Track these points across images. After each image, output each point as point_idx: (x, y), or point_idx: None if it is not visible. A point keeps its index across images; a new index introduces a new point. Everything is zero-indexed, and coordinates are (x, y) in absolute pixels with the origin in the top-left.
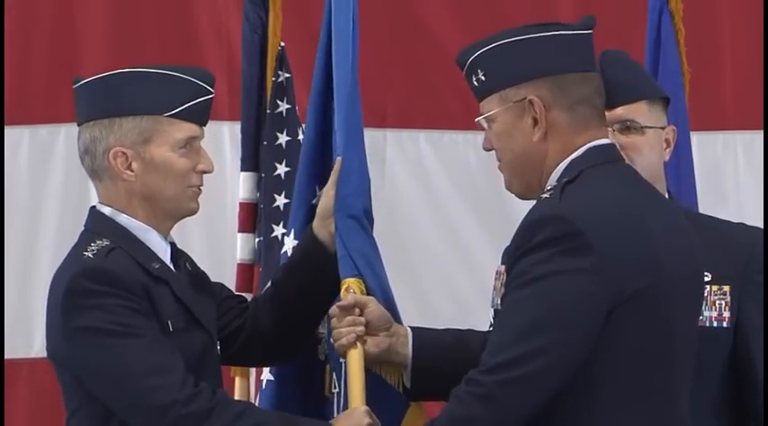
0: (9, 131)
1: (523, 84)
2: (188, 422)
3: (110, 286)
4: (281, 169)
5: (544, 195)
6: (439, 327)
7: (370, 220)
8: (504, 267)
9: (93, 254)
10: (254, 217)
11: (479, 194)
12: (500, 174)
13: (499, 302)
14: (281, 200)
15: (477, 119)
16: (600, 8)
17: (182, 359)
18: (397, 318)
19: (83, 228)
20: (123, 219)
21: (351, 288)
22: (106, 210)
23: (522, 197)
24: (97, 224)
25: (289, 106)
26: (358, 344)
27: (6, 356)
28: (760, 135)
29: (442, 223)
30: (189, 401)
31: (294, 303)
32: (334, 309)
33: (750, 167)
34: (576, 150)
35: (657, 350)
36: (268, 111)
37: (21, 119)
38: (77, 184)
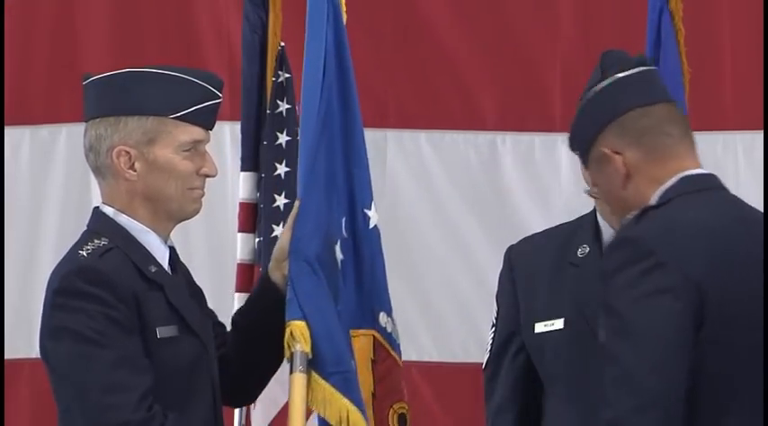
0: (10, 131)
1: (593, 141)
2: None
3: (99, 287)
4: (281, 169)
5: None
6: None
7: (323, 264)
8: None
9: (87, 253)
10: (254, 217)
11: (480, 194)
12: (500, 174)
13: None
14: (281, 200)
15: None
16: (600, 8)
17: (149, 378)
18: (345, 359)
19: (85, 228)
20: (124, 220)
21: (293, 332)
22: (108, 210)
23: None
24: (98, 224)
25: (289, 106)
26: (301, 372)
27: (7, 356)
28: (760, 135)
29: (443, 223)
30: (140, 424)
31: (250, 342)
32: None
33: (750, 167)
34: (666, 180)
35: (732, 371)
36: (268, 111)
37: (21, 119)
38: (78, 184)
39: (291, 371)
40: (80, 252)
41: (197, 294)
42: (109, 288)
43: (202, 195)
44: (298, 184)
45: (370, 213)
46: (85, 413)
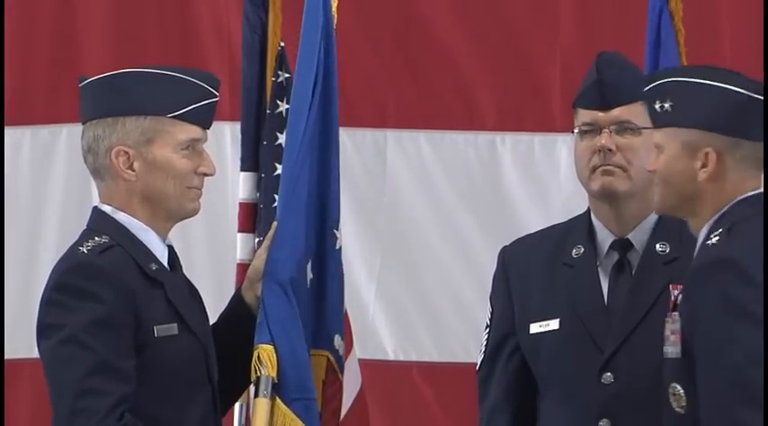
0: (10, 132)
1: (703, 131)
2: None
3: (96, 283)
4: (281, 169)
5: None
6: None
7: (296, 288)
8: (676, 314)
9: (87, 250)
10: (254, 217)
11: (479, 194)
12: (499, 174)
13: (678, 351)
14: None
15: (654, 141)
16: (600, 8)
17: (127, 386)
18: (306, 383)
19: (85, 228)
20: (123, 218)
21: (260, 355)
22: (107, 209)
23: (660, 213)
24: (98, 222)
25: (288, 106)
26: (265, 397)
27: (7, 356)
28: None
29: (443, 223)
30: None
31: (222, 358)
32: None
33: None
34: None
35: None
36: (268, 111)
37: (22, 119)
38: (79, 185)
39: (256, 395)
40: (80, 248)
41: (196, 293)
42: (106, 284)
43: (200, 194)
44: (278, 206)
45: (338, 234)
46: (58, 414)
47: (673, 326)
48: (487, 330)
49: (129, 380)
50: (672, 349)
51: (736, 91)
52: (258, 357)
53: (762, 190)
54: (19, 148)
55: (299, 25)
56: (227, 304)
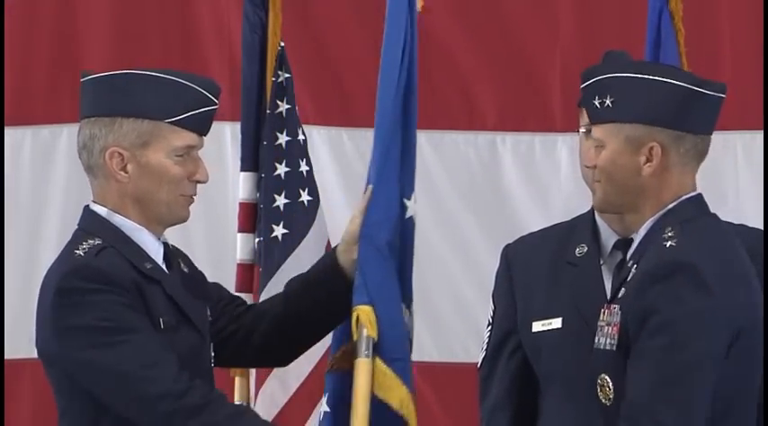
0: (10, 132)
1: (647, 126)
2: (180, 415)
3: (100, 283)
4: (281, 169)
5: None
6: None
7: (394, 251)
8: (616, 307)
9: (84, 253)
10: (254, 218)
11: (479, 194)
12: (500, 174)
13: (614, 344)
14: (280, 201)
15: (592, 135)
16: (600, 8)
17: (175, 355)
18: (405, 344)
19: (77, 228)
20: (118, 220)
21: (360, 317)
22: (99, 210)
23: (601, 210)
24: (89, 223)
25: (288, 106)
26: (366, 357)
27: (7, 356)
28: (760, 135)
29: (443, 223)
30: (183, 394)
31: (303, 319)
32: None
33: (750, 167)
34: (671, 202)
35: (749, 386)
36: (268, 111)
37: (22, 119)
38: (79, 185)
39: (357, 356)
40: (76, 251)
41: (196, 284)
42: (110, 280)
43: (192, 201)
44: (370, 169)
45: (408, 203)
46: (123, 396)
47: (610, 318)
48: (489, 328)
49: (172, 350)
50: (606, 340)
51: (679, 85)
52: (357, 318)
53: (700, 192)
54: (19, 148)
55: (299, 25)
56: (315, 264)
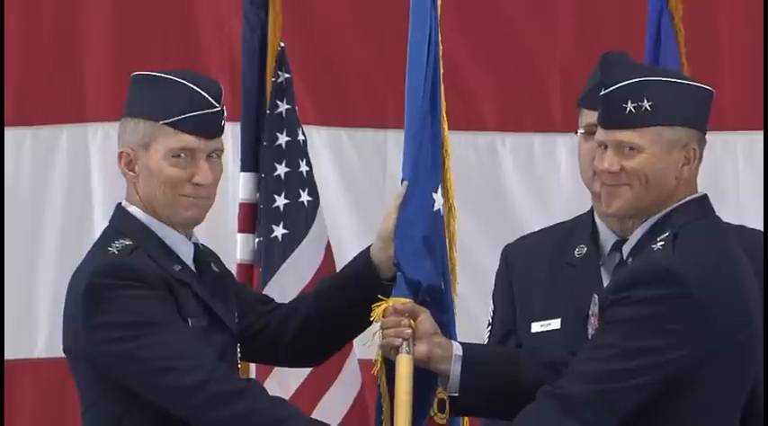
0: (11, 133)
1: (683, 128)
2: (221, 400)
3: (131, 280)
4: (281, 169)
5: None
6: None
7: (430, 246)
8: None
9: (117, 251)
10: (254, 218)
11: (479, 194)
12: (499, 175)
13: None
14: (280, 201)
15: (617, 138)
16: (600, 8)
17: (212, 347)
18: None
19: (106, 225)
20: (147, 219)
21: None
22: (130, 209)
23: (625, 215)
24: (120, 222)
25: (288, 106)
26: (407, 354)
27: (7, 356)
28: (760, 135)
29: None
30: (223, 379)
31: (337, 318)
32: (389, 310)
33: (750, 167)
34: (674, 202)
35: (738, 394)
36: (268, 112)
37: (22, 120)
38: (79, 186)
39: (398, 352)
40: (109, 249)
41: (225, 284)
42: (143, 280)
43: (196, 202)
44: (403, 164)
45: (435, 196)
46: (162, 386)
47: (594, 308)
48: (489, 328)
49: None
50: (593, 330)
51: (701, 87)
52: (389, 309)
53: (705, 193)
54: (19, 149)
55: (299, 25)
56: (348, 264)
